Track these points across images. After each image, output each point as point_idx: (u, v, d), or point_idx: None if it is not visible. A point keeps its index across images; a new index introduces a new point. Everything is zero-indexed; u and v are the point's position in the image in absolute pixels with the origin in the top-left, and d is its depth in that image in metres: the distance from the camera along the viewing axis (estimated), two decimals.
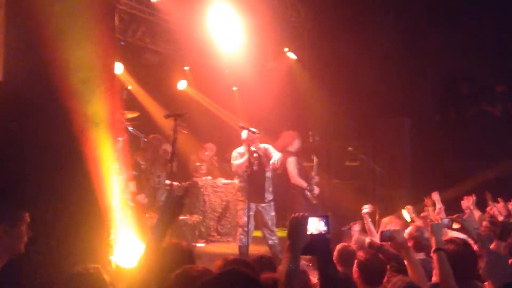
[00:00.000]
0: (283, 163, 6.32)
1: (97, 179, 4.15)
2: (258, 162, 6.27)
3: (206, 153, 8.44)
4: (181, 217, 7.47)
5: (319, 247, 2.11)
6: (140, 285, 2.03)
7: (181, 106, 8.11)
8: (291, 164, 6.48)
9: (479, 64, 8.23)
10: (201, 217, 7.81)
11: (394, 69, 9.20)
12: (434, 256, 2.72)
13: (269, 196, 6.37)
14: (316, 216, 2.16)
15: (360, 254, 3.08)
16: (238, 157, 6.30)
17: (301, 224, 2.10)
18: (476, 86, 9.04)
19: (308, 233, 2.11)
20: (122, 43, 7.50)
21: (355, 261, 3.07)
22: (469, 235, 3.02)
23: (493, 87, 8.82)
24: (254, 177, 6.05)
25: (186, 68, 9.29)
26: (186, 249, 2.54)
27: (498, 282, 1.92)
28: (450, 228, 3.25)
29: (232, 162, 6.34)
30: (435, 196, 5.08)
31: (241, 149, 6.33)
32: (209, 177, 8.18)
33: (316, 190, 6.51)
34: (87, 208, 3.98)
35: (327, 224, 2.15)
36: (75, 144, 3.96)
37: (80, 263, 2.85)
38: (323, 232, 2.13)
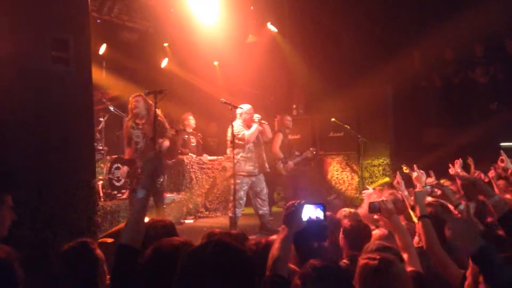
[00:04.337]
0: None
1: (81, 162, 4.13)
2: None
3: (188, 122, 8.30)
4: (169, 195, 7.48)
5: (314, 233, 2.21)
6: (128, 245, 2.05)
7: (162, 83, 8.01)
8: (278, 137, 7.71)
9: (462, 29, 8.19)
10: (188, 194, 7.83)
11: (377, 37, 9.17)
12: (419, 223, 2.78)
13: (267, 166, 6.68)
14: (312, 203, 2.24)
15: (346, 222, 3.16)
16: (242, 128, 6.38)
17: (297, 210, 2.18)
18: (460, 52, 9.04)
19: (304, 219, 2.19)
20: (98, 21, 7.33)
21: (341, 229, 3.13)
22: (450, 202, 3.09)
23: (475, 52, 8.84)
24: (258, 147, 6.55)
25: (165, 44, 9.14)
26: (169, 225, 2.56)
27: (469, 246, 1.98)
28: (431, 195, 3.31)
29: (243, 133, 6.35)
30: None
31: (239, 121, 6.44)
32: (194, 156, 8.15)
33: (290, 165, 7.70)
34: (72, 190, 3.96)
35: (323, 212, 2.23)
36: (60, 128, 3.92)
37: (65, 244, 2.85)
38: (318, 219, 2.21)
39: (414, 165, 4.38)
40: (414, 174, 3.89)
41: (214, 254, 1.56)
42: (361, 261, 2.12)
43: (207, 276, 1.52)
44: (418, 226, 2.80)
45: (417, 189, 3.58)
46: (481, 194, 3.14)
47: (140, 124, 5.70)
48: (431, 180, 4.38)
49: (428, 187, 3.41)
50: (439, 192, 3.47)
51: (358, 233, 3.01)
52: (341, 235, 3.12)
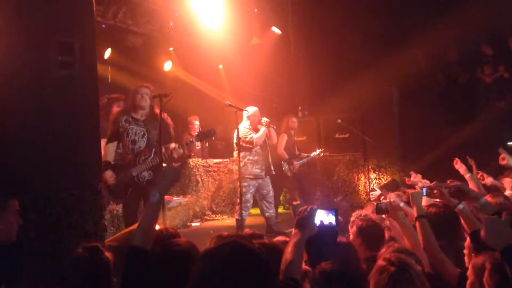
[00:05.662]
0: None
1: (87, 166, 4.13)
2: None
3: (193, 126, 8.30)
4: (175, 198, 7.49)
5: (326, 239, 2.23)
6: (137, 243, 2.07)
7: (167, 86, 8.03)
8: (282, 139, 7.48)
9: (466, 28, 8.17)
10: (194, 197, 7.84)
11: (381, 38, 9.15)
12: (416, 224, 2.79)
13: (273, 169, 6.66)
14: (324, 209, 2.27)
15: (360, 223, 3.15)
16: (250, 131, 6.36)
17: (310, 215, 2.21)
18: (465, 51, 9.03)
19: (317, 224, 2.22)
20: (103, 26, 7.37)
21: (356, 229, 3.12)
22: (448, 201, 3.09)
23: (481, 51, 8.82)
24: (265, 150, 6.55)
25: (171, 49, 9.16)
26: (173, 232, 2.57)
27: (498, 247, 1.91)
28: (430, 196, 3.31)
29: (251, 136, 6.35)
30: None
31: (246, 124, 6.43)
32: (199, 159, 8.15)
33: (296, 165, 7.45)
34: (78, 194, 3.96)
35: (335, 217, 2.25)
36: (66, 132, 3.92)
37: (73, 249, 2.86)
38: (330, 225, 2.25)
39: (411, 172, 4.39)
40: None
41: (232, 256, 1.56)
42: (378, 263, 2.09)
43: (225, 277, 1.51)
44: (416, 226, 2.80)
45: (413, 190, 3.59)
46: (470, 198, 3.20)
47: (140, 120, 5.01)
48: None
49: (425, 188, 3.41)
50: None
51: (374, 233, 3.01)
52: (356, 236, 3.11)
